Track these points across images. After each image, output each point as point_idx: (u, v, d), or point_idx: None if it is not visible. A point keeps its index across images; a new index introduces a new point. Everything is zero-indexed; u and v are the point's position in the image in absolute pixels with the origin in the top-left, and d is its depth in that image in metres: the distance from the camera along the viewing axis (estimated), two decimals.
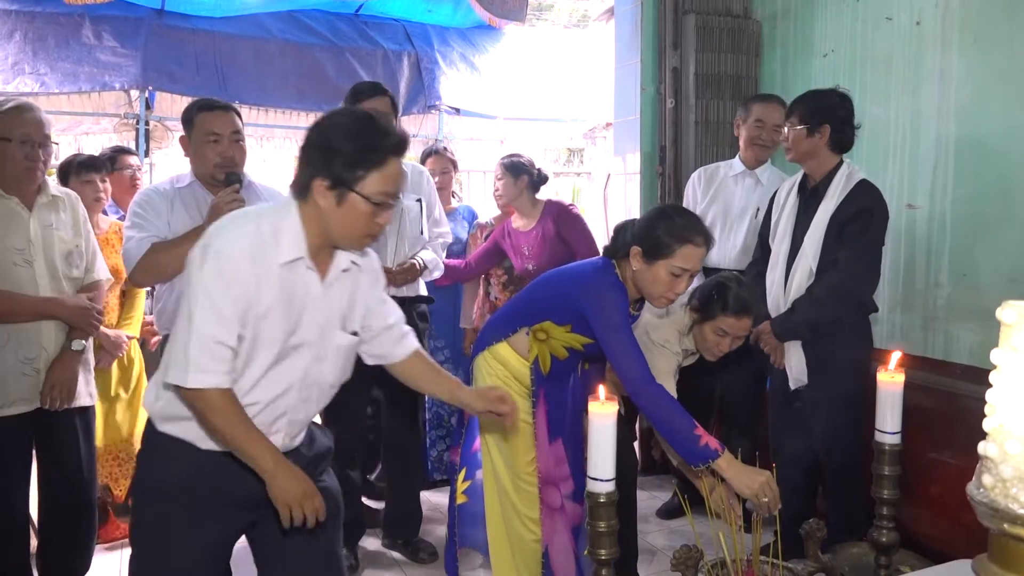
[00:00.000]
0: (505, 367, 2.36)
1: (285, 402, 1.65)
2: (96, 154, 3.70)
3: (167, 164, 5.39)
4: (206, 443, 1.62)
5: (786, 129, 2.77)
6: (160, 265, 2.41)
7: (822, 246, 2.67)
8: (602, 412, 1.49)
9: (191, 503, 1.63)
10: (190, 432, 1.62)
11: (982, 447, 1.08)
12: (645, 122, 3.94)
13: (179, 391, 1.54)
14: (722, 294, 2.39)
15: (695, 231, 2.12)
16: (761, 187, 3.29)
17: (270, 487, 1.55)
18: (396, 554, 3.13)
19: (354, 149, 1.51)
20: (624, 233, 2.23)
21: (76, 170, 3.25)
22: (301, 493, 1.56)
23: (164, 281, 2.49)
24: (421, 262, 3.01)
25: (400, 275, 2.93)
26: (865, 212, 2.63)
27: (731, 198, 3.36)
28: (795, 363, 2.77)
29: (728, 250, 3.32)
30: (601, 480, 1.50)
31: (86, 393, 2.54)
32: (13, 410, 2.34)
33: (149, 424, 1.69)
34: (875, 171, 3.01)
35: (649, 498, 3.69)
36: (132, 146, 4.63)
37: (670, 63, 3.88)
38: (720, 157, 3.82)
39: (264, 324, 1.55)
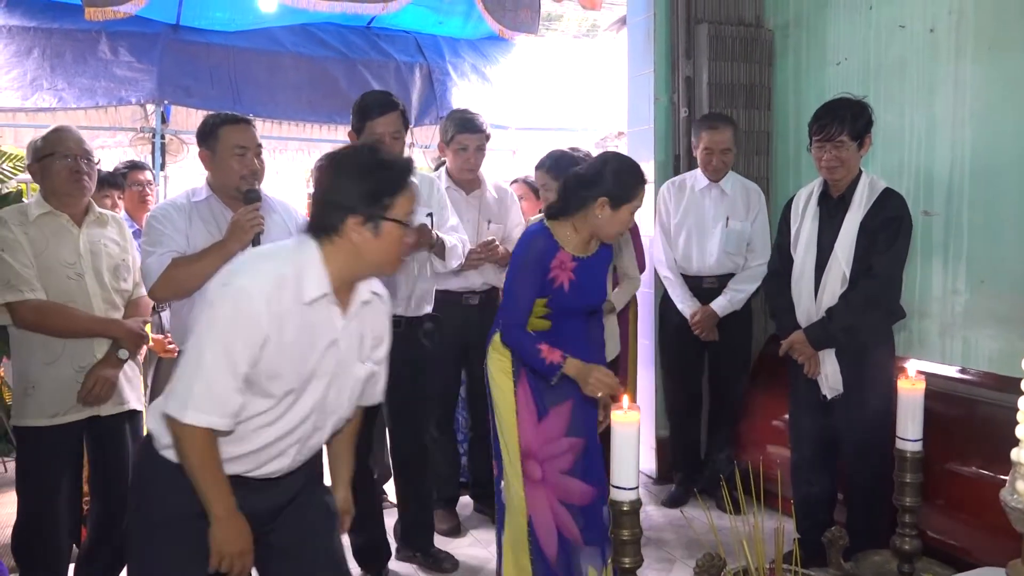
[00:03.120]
0: (503, 356, 2.51)
1: (301, 430, 1.70)
2: (112, 169, 3.75)
3: (182, 177, 5.43)
4: None
5: (826, 147, 2.67)
6: (181, 280, 2.41)
7: (854, 254, 2.68)
8: (624, 421, 1.50)
9: (195, 536, 1.65)
10: None
11: (1015, 453, 1.08)
12: (659, 131, 3.95)
13: (168, 419, 1.58)
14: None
15: (641, 173, 2.40)
16: (727, 197, 3.53)
17: (214, 531, 1.63)
18: (414, 567, 3.10)
19: (377, 182, 1.61)
20: (575, 192, 2.39)
21: (98, 185, 3.30)
22: (238, 549, 1.65)
23: (185, 296, 2.48)
24: (438, 235, 2.85)
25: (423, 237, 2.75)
26: (895, 220, 2.65)
27: (702, 209, 3.55)
28: (830, 372, 2.75)
29: (706, 257, 3.55)
30: (625, 488, 1.50)
31: (135, 398, 2.62)
32: (69, 417, 2.43)
33: (148, 447, 1.71)
34: (891, 178, 3.00)
35: (659, 502, 3.67)
36: (148, 160, 4.69)
37: (683, 72, 3.89)
38: (733, 166, 3.82)
39: (283, 360, 1.59)
